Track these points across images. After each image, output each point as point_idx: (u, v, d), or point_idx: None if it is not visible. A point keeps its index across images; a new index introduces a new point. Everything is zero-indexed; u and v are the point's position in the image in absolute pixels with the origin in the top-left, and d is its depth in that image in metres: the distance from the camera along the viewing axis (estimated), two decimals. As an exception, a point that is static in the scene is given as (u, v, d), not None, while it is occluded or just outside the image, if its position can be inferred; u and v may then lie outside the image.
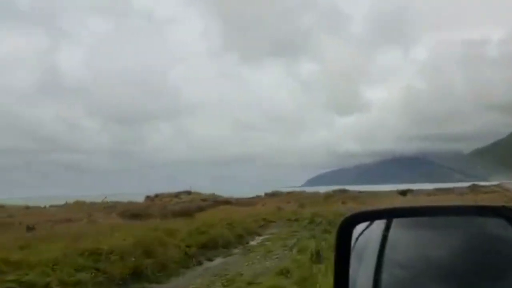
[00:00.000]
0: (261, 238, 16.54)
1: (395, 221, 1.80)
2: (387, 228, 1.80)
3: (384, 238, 1.80)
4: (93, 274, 8.73)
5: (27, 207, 29.48)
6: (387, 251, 1.77)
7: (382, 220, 1.83)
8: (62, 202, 38.29)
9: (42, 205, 36.01)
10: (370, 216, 1.85)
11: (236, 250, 13.93)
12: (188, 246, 11.97)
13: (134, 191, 56.15)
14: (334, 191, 58.90)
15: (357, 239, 1.80)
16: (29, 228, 15.55)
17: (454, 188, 63.80)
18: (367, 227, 1.83)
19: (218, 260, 12.43)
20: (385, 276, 1.73)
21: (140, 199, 45.57)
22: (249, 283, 9.05)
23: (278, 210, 22.40)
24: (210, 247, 13.39)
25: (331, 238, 14.16)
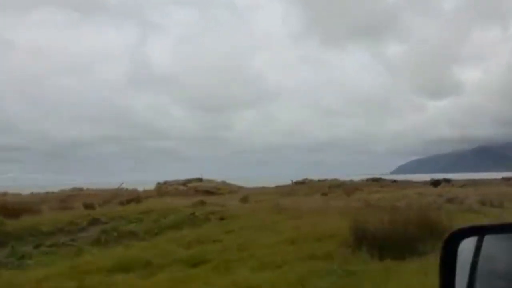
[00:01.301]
0: None
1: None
2: (479, 242, 1.87)
3: (477, 251, 1.85)
4: None
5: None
6: (481, 265, 1.82)
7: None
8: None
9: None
10: (476, 232, 1.91)
11: None
12: None
13: (219, 176, 57.97)
14: (368, 180, 54.65)
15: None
16: None
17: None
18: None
19: None
20: None
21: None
22: None
23: (198, 204, 19.71)
24: None
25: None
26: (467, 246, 1.87)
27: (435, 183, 43.28)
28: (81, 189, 37.53)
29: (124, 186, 45.82)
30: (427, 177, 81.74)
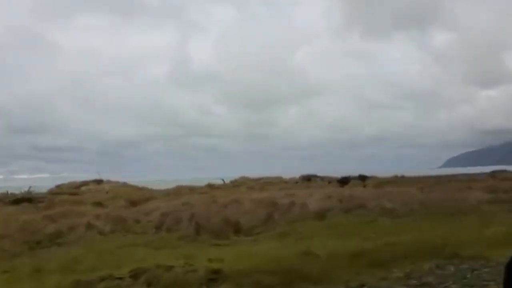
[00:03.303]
0: None
1: None
2: None
3: None
4: None
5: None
6: None
7: None
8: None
9: None
10: None
11: None
12: None
13: (264, 173, 57.54)
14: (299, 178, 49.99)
15: None
16: None
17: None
18: None
19: None
20: None
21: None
22: None
23: None
24: None
25: None
26: None
27: (343, 181, 36.60)
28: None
29: (33, 189, 43.74)
30: (476, 169, 74.33)
